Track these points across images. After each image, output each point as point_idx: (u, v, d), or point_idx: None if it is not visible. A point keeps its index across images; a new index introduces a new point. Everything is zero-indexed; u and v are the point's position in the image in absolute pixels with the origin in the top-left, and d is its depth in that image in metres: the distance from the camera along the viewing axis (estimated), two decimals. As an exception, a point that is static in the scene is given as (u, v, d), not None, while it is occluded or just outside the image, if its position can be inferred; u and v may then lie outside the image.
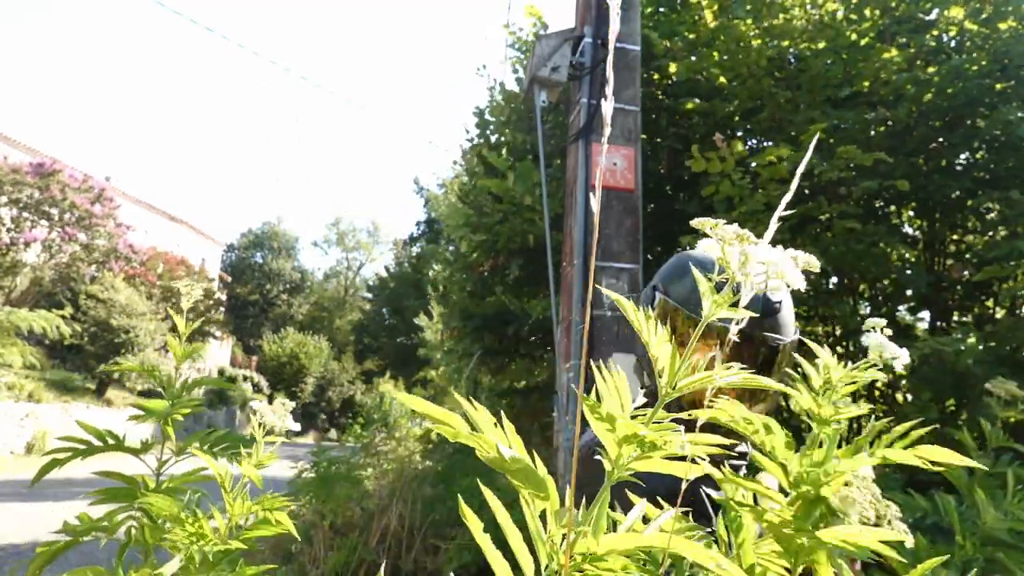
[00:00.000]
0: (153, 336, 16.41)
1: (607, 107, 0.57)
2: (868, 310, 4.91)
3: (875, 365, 0.71)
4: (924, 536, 2.14)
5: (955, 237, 4.80)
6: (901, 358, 0.70)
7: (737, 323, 0.88)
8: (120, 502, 1.29)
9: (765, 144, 4.83)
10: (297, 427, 1.58)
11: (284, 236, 43.65)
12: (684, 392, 0.83)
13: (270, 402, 1.30)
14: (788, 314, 1.08)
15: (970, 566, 1.89)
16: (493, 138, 6.58)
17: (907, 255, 4.72)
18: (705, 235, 0.94)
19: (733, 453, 1.02)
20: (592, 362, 0.64)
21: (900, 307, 4.78)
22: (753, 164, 4.25)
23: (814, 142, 0.85)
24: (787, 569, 0.63)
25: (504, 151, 6.03)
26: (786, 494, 0.69)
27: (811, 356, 0.87)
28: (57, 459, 1.31)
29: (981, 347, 3.55)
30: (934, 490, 2.23)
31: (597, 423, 0.54)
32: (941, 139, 4.42)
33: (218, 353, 26.50)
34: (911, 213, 4.92)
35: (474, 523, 0.56)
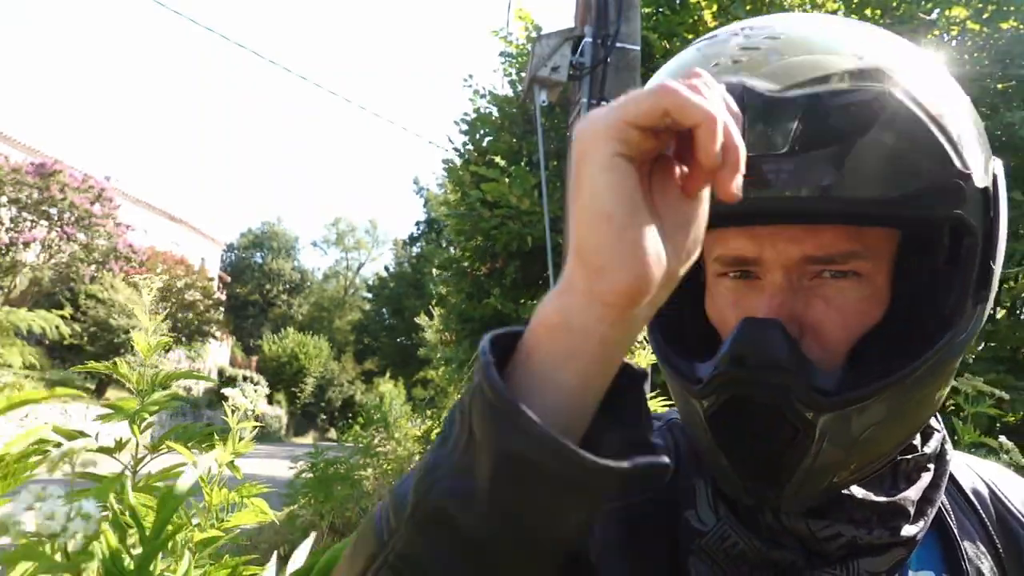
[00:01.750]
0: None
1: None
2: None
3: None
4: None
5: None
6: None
7: None
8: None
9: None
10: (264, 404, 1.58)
11: (284, 236, 43.67)
12: None
13: (270, 402, 1.29)
14: (885, 145, 0.50)
15: None
16: (485, 142, 6.58)
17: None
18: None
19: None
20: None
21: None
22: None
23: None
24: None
25: (498, 156, 6.03)
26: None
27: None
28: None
29: (980, 347, 3.55)
30: None
31: None
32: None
33: (218, 353, 26.49)
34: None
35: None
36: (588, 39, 4.18)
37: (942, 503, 0.63)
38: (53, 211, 14.65)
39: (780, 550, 0.57)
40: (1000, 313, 4.43)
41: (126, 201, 20.08)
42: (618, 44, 4.16)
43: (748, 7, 4.90)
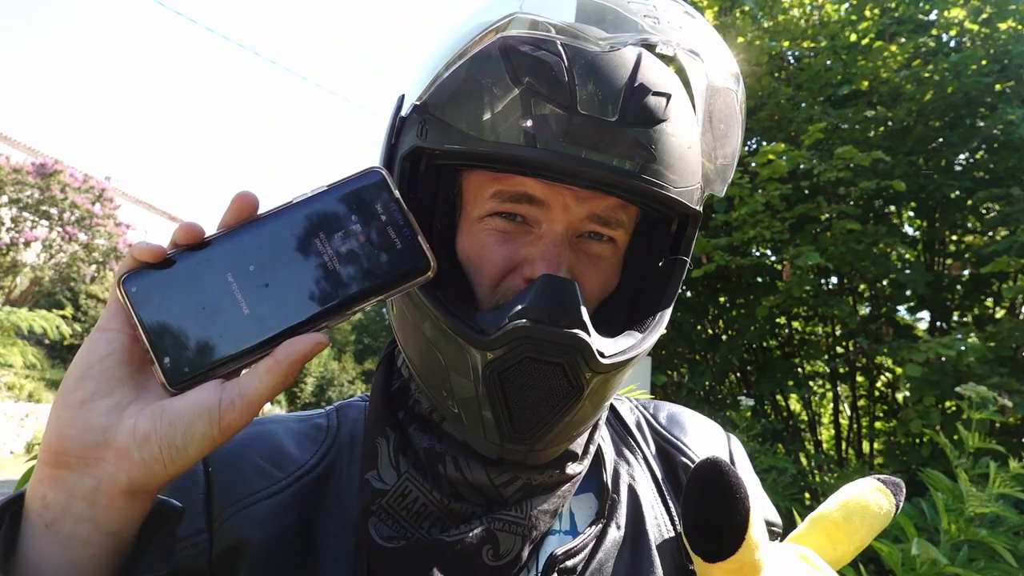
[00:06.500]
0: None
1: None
2: (868, 310, 4.90)
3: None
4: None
5: (955, 237, 4.80)
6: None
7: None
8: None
9: (765, 143, 4.82)
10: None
11: (284, 236, 43.64)
12: None
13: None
14: (682, 139, 0.55)
15: (959, 548, 1.94)
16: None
17: (907, 255, 4.71)
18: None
19: None
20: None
21: (900, 307, 4.77)
22: (752, 164, 4.25)
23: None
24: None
25: None
26: None
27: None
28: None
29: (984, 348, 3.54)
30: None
31: None
32: (941, 139, 4.41)
33: (218, 353, 26.44)
34: (911, 213, 4.91)
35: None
36: (588, 39, 4.18)
37: (601, 436, 0.69)
38: (54, 211, 14.64)
39: (461, 502, 0.57)
40: (999, 312, 4.43)
41: (126, 201, 20.07)
42: (618, 44, 4.16)
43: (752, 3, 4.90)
